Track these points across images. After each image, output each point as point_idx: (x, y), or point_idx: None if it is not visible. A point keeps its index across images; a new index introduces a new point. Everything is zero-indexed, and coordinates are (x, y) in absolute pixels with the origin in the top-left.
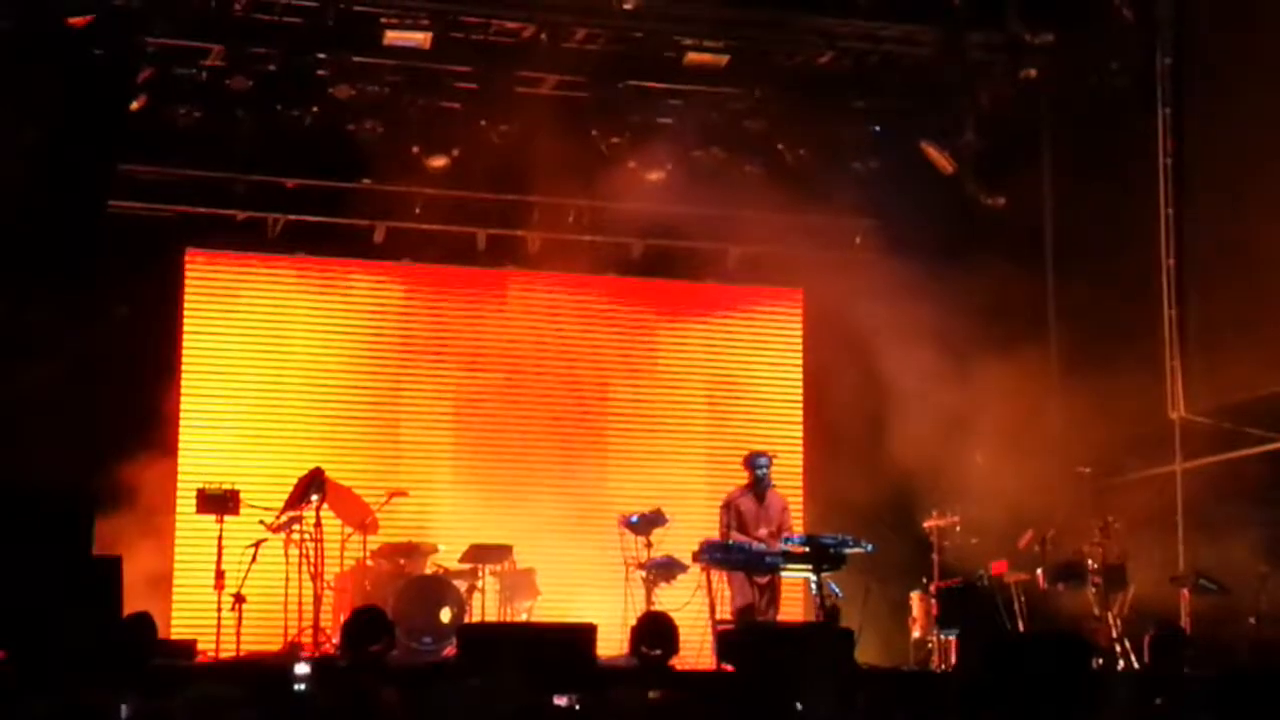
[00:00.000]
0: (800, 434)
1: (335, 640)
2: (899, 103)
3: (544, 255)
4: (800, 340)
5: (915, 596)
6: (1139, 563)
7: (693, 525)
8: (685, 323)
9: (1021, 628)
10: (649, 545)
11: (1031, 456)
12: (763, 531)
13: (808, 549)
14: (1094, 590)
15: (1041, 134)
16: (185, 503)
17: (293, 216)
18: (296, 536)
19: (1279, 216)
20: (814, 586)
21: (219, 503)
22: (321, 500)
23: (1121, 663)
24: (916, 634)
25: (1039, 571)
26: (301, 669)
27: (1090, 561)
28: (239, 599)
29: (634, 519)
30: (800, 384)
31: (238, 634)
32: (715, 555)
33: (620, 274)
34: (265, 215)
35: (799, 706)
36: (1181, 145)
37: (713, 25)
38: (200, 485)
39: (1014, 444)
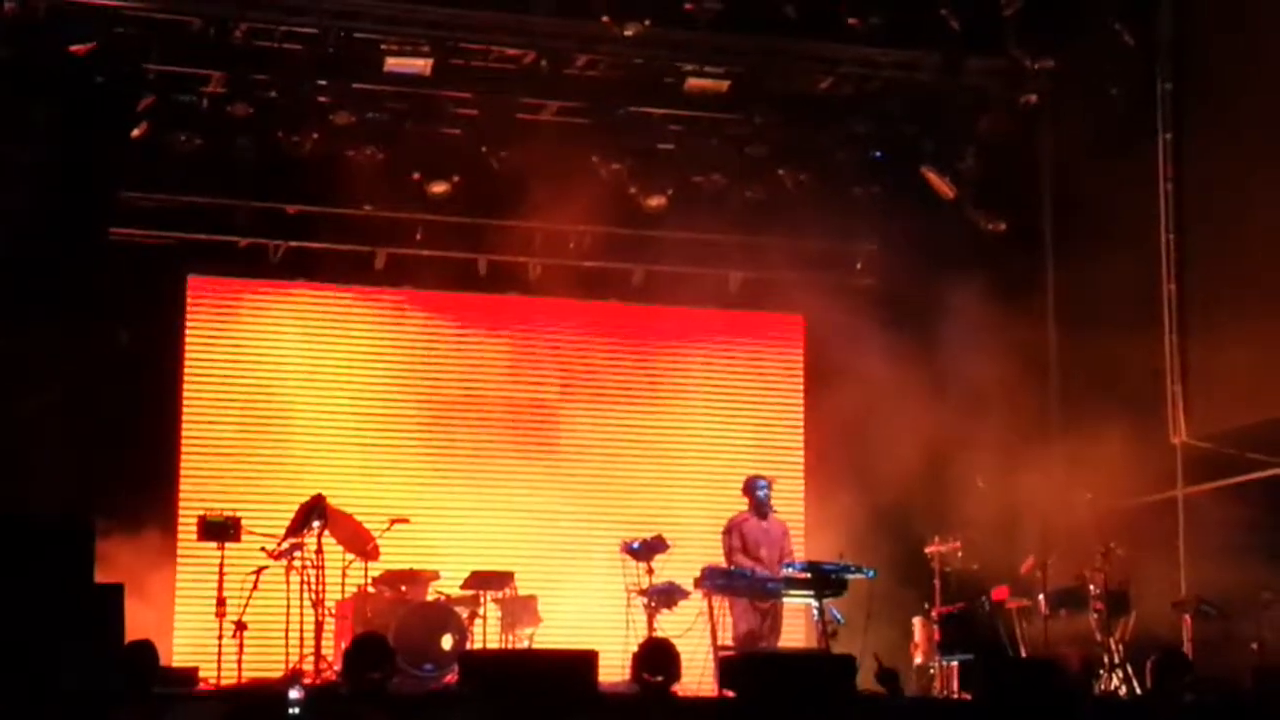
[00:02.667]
0: (801, 460)
1: (336, 668)
2: (899, 128)
3: (545, 281)
4: (801, 366)
5: (917, 622)
6: (1141, 588)
7: (694, 551)
8: (686, 349)
9: (1023, 654)
10: (650, 571)
11: (1033, 482)
12: (763, 552)
13: (809, 575)
14: (1096, 616)
15: (1042, 159)
16: (187, 530)
17: (294, 243)
18: (298, 563)
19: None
20: (816, 613)
21: (220, 530)
22: (323, 527)
23: (1123, 688)
24: (919, 660)
25: (1040, 597)
26: (295, 694)
27: (1092, 587)
28: (240, 626)
29: (635, 545)
30: (801, 409)
31: (239, 662)
32: (717, 581)
33: (621, 300)
34: (266, 242)
35: None
36: (1182, 170)
37: (713, 51)
38: (202, 512)
39: (1015, 469)
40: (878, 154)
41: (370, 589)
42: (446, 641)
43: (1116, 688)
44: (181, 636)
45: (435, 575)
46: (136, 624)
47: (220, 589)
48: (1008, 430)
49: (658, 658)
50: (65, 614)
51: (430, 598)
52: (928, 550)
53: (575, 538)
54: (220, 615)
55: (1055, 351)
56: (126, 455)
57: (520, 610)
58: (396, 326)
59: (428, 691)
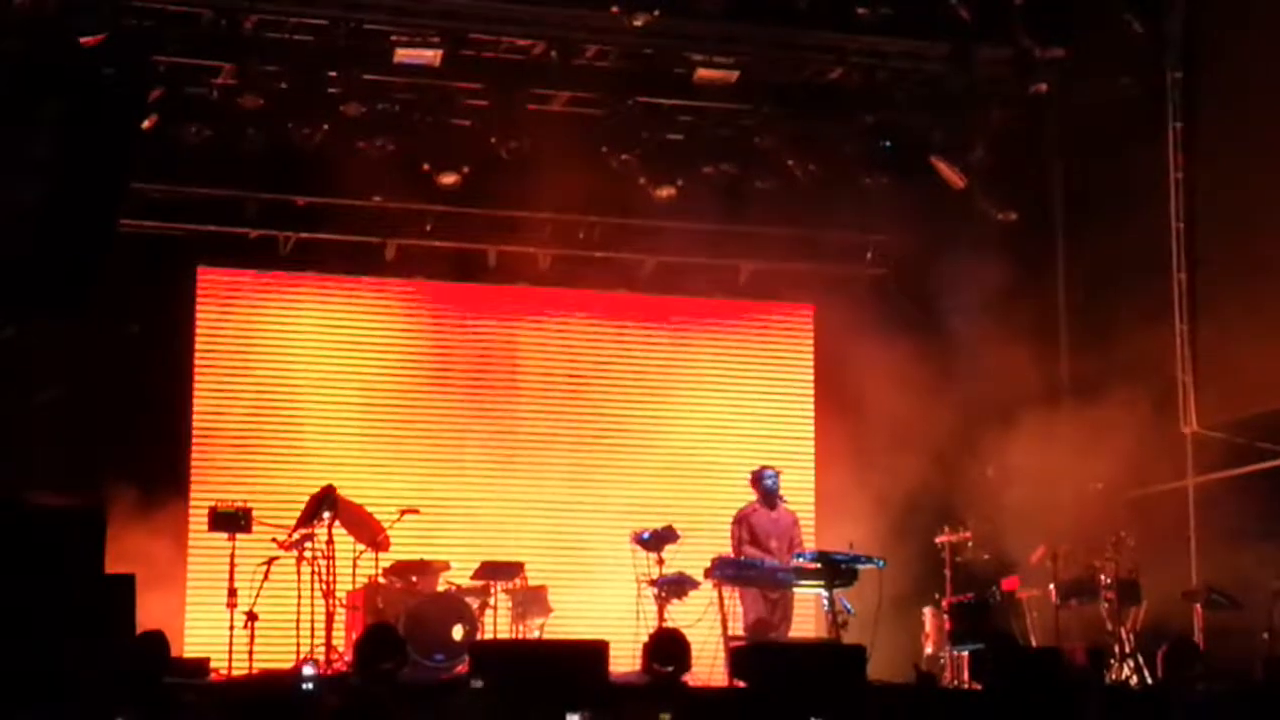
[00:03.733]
0: (812, 449)
1: (348, 658)
2: (909, 118)
3: (555, 272)
4: (811, 356)
5: (928, 612)
6: (1152, 578)
7: (704, 541)
8: (696, 339)
9: (1034, 644)
10: (661, 562)
11: (1043, 471)
12: (773, 543)
13: (819, 565)
14: (1107, 606)
15: (1051, 149)
16: (198, 521)
17: (304, 234)
18: (309, 554)
19: None
20: (826, 603)
21: (231, 521)
22: (333, 518)
23: (1134, 678)
24: (929, 650)
25: (1051, 587)
26: (309, 670)
27: (1103, 577)
28: (251, 617)
29: (646, 535)
30: (812, 400)
31: (250, 652)
32: (728, 571)
33: (631, 290)
34: (276, 233)
35: None
36: (1192, 160)
37: (722, 41)
38: (212, 503)
39: (1026, 459)
40: (887, 144)
41: (381, 579)
42: (457, 632)
43: (1127, 678)
44: (193, 627)
45: (446, 566)
46: (148, 614)
47: (231, 580)
48: (1018, 419)
49: (668, 648)
50: (77, 605)
51: (441, 588)
52: (938, 540)
53: (585, 528)
54: (231, 606)
55: (1066, 341)
56: (137, 446)
57: (531, 601)
58: (406, 317)
59: (439, 681)
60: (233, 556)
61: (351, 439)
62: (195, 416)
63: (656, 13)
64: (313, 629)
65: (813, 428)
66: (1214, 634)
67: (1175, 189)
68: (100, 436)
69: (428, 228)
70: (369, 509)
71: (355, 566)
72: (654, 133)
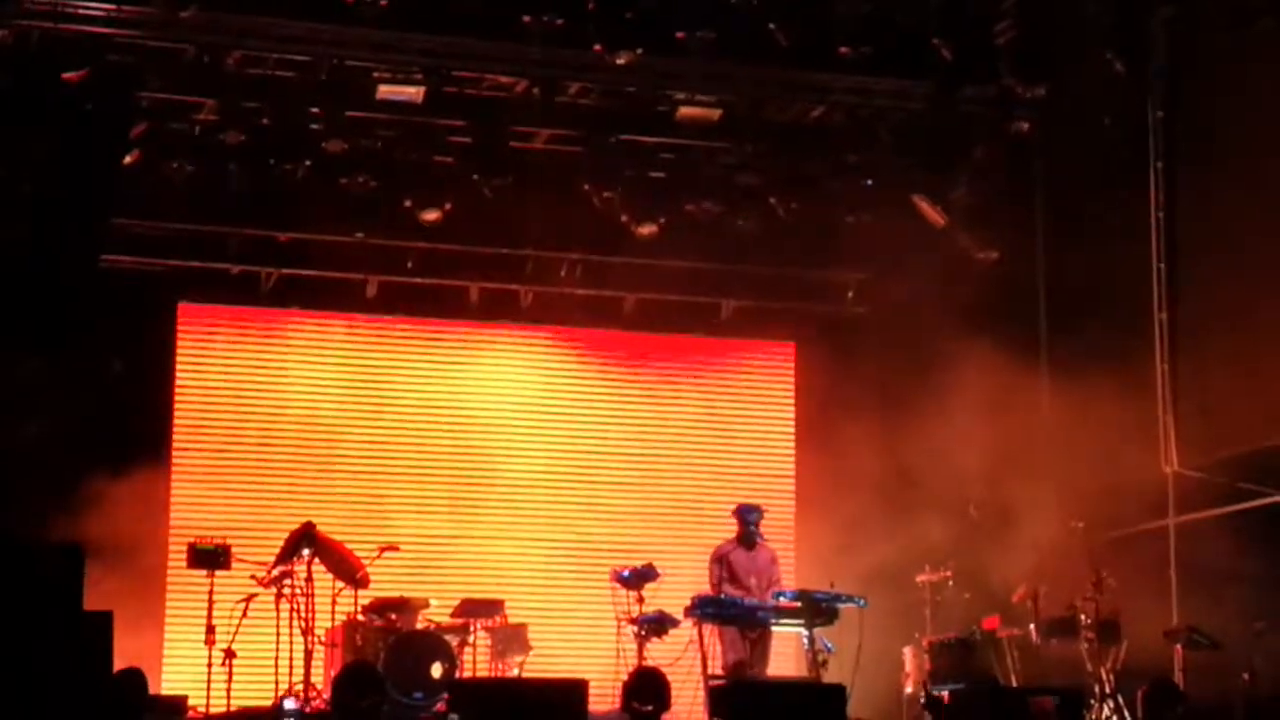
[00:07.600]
0: (792, 487)
1: (326, 696)
2: (891, 157)
3: (537, 309)
4: (792, 394)
5: (908, 651)
6: (1132, 618)
7: (684, 579)
8: (678, 376)
9: (1015, 683)
10: (641, 600)
11: (1024, 511)
12: (752, 581)
13: (800, 604)
14: (1087, 645)
15: (1034, 188)
16: (176, 557)
17: (285, 270)
18: (288, 591)
19: (1271, 270)
20: (806, 641)
21: (210, 558)
22: (313, 555)
23: (1115, 718)
24: (909, 689)
25: (1032, 626)
26: (290, 704)
27: (1083, 616)
28: (230, 654)
29: (626, 574)
30: (792, 438)
31: (228, 690)
32: (707, 610)
33: (612, 328)
34: (258, 269)
35: None
36: (1174, 199)
37: (705, 79)
38: (191, 540)
39: (1007, 498)
40: (869, 182)
41: (360, 617)
42: (436, 670)
43: (1108, 718)
44: (171, 665)
45: (425, 603)
46: (126, 652)
47: (210, 617)
48: (999, 458)
49: (648, 687)
50: (54, 642)
51: (420, 626)
52: (919, 579)
53: (566, 566)
54: (210, 643)
55: (1047, 379)
56: (116, 482)
57: (510, 638)
58: (388, 354)
59: (418, 719)
60: (211, 593)
61: (331, 475)
62: (174, 452)
63: (639, 51)
64: (291, 666)
65: (793, 466)
66: (1194, 674)
67: (1157, 229)
68: (79, 472)
69: (409, 265)
70: (348, 546)
71: (334, 603)
72: (636, 170)
